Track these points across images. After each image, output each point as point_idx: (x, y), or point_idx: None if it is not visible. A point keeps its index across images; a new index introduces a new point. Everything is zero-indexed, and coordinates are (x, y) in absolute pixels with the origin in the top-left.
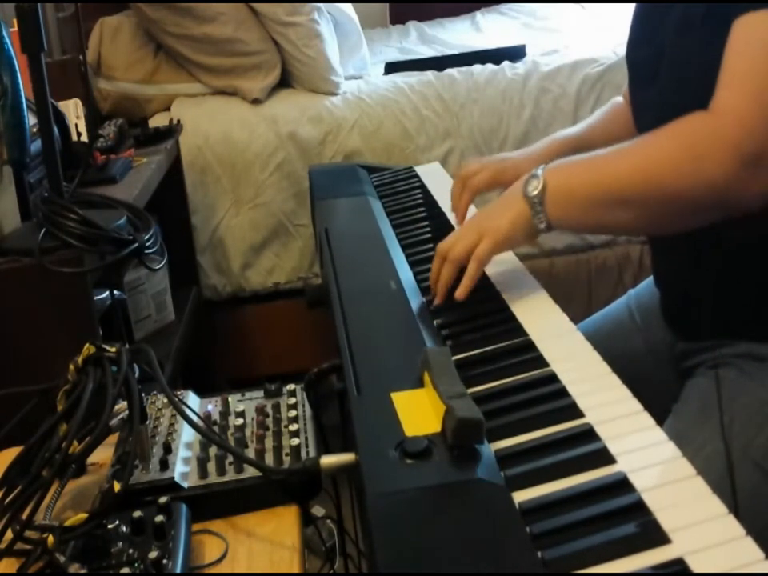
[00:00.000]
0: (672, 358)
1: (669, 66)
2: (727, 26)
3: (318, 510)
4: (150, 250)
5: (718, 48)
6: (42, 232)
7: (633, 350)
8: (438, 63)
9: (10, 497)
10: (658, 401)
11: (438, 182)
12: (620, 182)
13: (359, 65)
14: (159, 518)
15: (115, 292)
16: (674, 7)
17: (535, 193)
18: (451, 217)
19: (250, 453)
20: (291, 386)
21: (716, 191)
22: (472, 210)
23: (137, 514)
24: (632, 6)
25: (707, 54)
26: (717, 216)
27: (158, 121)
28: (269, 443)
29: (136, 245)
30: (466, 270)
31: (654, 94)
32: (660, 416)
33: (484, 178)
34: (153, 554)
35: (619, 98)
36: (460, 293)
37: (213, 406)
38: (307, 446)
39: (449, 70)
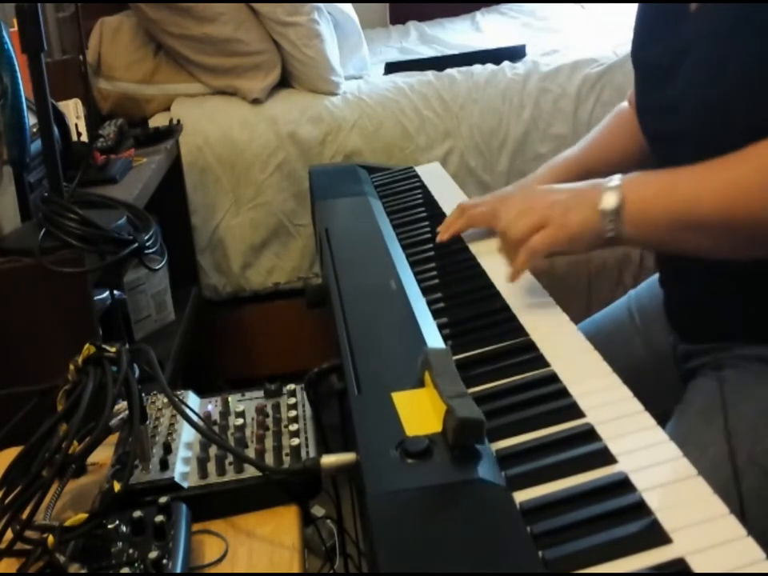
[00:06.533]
0: (674, 359)
1: (695, 67)
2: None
3: (318, 510)
4: (150, 250)
5: (757, 51)
6: (42, 232)
7: (633, 351)
8: (438, 63)
9: (10, 497)
10: (659, 401)
11: (438, 182)
12: (701, 207)
13: (359, 65)
14: (159, 518)
15: (115, 292)
16: (688, 7)
17: (611, 207)
18: None
19: (250, 453)
20: (291, 386)
21: None
22: None
23: (137, 514)
24: (632, 6)
25: (744, 58)
26: None
27: (158, 121)
28: (269, 443)
29: (136, 245)
30: (517, 259)
31: (671, 95)
32: (661, 417)
33: (483, 211)
34: (153, 554)
35: (624, 104)
36: (511, 278)
37: (213, 406)
38: (307, 446)
39: (449, 70)
